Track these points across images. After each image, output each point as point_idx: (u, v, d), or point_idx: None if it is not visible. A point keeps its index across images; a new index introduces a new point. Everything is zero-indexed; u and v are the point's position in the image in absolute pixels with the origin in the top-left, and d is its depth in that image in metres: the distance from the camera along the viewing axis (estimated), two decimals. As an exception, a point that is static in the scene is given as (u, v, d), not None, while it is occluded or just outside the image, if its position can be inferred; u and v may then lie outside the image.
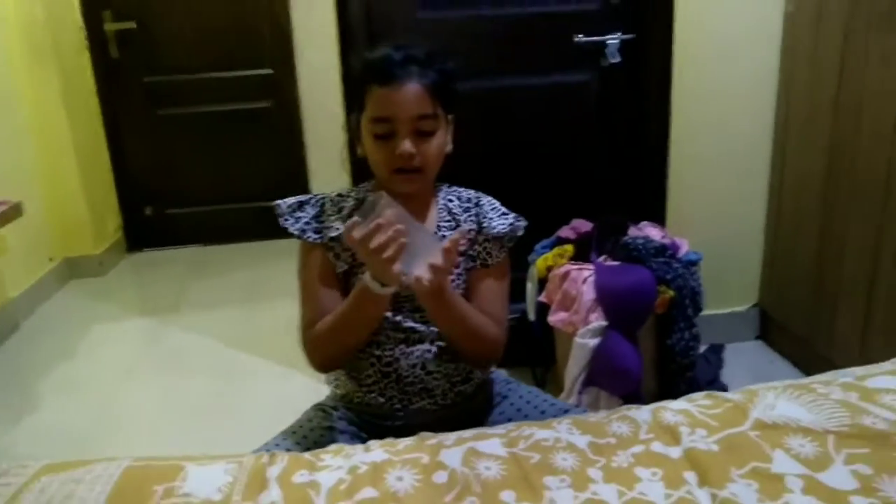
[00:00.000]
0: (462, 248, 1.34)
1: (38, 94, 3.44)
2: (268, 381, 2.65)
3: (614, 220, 2.31)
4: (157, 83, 3.94)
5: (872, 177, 2.05)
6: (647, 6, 2.37)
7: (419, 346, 1.35)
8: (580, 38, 2.36)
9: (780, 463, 1.03)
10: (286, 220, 1.36)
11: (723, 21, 2.39)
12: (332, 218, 1.36)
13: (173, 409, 2.54)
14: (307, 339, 1.34)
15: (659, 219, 2.47)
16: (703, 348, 2.40)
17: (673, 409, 1.19)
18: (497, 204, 1.42)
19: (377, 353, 1.35)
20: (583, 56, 2.41)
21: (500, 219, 1.38)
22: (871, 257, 2.07)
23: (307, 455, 1.14)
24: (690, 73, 2.41)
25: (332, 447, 1.19)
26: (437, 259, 1.14)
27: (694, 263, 2.18)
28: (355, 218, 1.14)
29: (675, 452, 1.08)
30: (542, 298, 2.22)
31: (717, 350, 2.50)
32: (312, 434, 1.37)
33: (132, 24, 3.81)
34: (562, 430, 1.15)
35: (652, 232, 2.28)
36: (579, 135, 2.51)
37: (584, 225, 2.34)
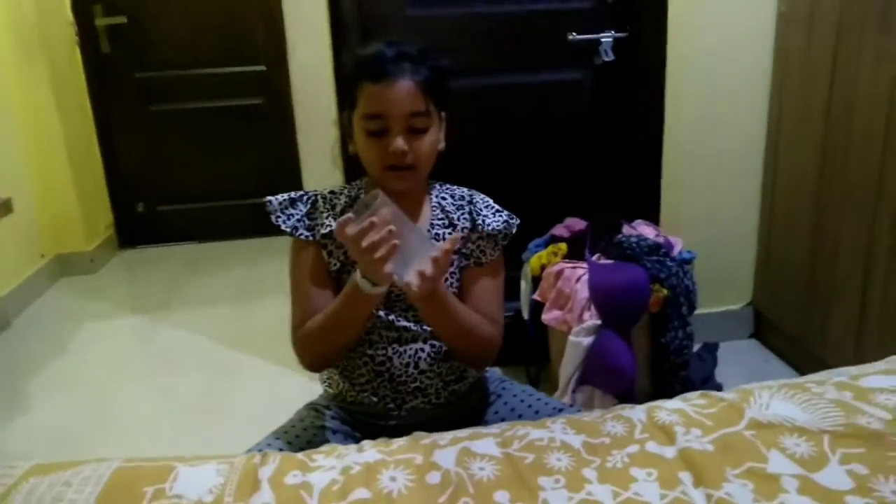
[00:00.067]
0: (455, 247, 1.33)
1: (27, 90, 3.42)
2: (260, 380, 2.63)
3: (608, 218, 2.30)
4: (149, 79, 3.91)
5: (865, 176, 2.05)
6: (640, 5, 2.36)
7: (412, 345, 1.34)
8: (574, 36, 2.36)
9: (776, 463, 1.03)
10: (278, 216, 1.35)
11: (716, 21, 2.38)
12: (325, 215, 1.35)
13: (165, 407, 2.53)
14: (298, 338, 1.33)
15: (653, 217, 2.47)
16: (697, 347, 2.40)
17: (668, 409, 1.18)
18: (490, 202, 1.41)
19: (370, 352, 1.34)
20: (576, 54, 2.40)
21: (493, 216, 1.37)
22: (864, 256, 2.07)
23: (299, 455, 1.13)
24: (683, 72, 2.41)
25: (325, 447, 1.19)
26: (428, 265, 1.13)
27: (688, 262, 2.18)
28: (349, 214, 1.13)
29: (669, 452, 1.07)
30: (536, 297, 2.21)
31: (711, 349, 2.50)
32: (305, 434, 1.36)
33: (123, 19, 3.78)
34: (556, 430, 1.15)
35: (646, 230, 2.28)
36: (573, 133, 2.50)
37: (577, 223, 2.34)
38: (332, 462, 1.10)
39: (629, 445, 1.09)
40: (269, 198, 1.36)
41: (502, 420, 1.38)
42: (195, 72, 3.92)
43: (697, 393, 1.24)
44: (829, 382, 1.22)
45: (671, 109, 2.44)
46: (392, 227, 1.10)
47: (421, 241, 1.19)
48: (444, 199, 1.40)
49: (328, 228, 1.33)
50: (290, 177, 2.62)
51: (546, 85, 2.45)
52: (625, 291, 2.04)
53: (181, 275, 3.69)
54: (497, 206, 1.40)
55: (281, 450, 1.29)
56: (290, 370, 2.48)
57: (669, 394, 2.09)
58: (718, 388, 2.29)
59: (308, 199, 1.37)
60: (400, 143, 1.25)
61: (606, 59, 2.36)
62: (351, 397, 1.39)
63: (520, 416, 1.39)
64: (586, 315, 2.04)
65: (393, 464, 1.08)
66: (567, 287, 2.10)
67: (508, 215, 1.39)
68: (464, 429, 1.19)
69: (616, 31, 2.36)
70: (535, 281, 2.23)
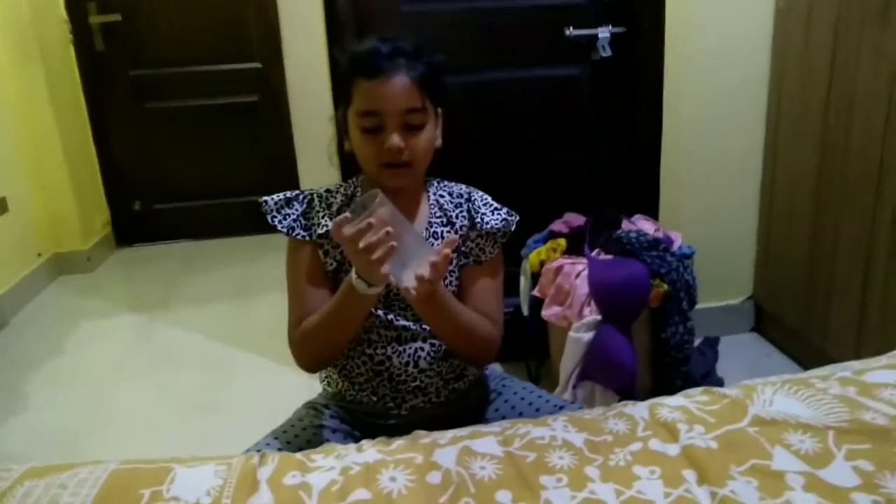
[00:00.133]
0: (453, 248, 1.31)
1: (22, 88, 3.40)
2: (259, 378, 2.62)
3: (607, 213, 2.29)
4: (144, 76, 3.89)
5: (864, 172, 2.04)
6: (638, 0, 2.34)
7: (411, 345, 1.32)
8: (571, 31, 2.34)
9: (781, 460, 1.01)
10: (273, 216, 1.33)
11: (714, 19, 2.37)
12: (321, 214, 1.33)
13: (163, 406, 2.51)
14: (294, 339, 1.31)
15: (652, 213, 2.46)
16: (697, 341, 2.39)
17: (670, 406, 1.17)
18: (489, 199, 1.39)
19: (369, 351, 1.32)
20: (574, 49, 2.39)
21: (492, 214, 1.35)
22: (865, 250, 2.06)
23: (298, 455, 1.11)
24: (682, 71, 2.40)
25: (324, 447, 1.17)
26: (426, 267, 1.11)
27: (688, 257, 2.17)
28: (346, 214, 1.12)
29: (673, 450, 1.06)
30: (536, 293, 2.20)
31: (711, 343, 2.49)
32: (304, 433, 1.35)
33: (117, 17, 3.76)
34: (557, 428, 1.14)
35: (645, 225, 2.27)
36: (571, 129, 2.49)
37: (576, 219, 2.33)
38: (331, 462, 1.08)
39: (632, 443, 1.08)
40: (264, 197, 1.34)
41: (503, 418, 1.36)
42: (190, 69, 3.90)
43: (700, 389, 1.23)
44: (833, 378, 1.21)
45: (670, 109, 2.43)
46: (390, 228, 1.08)
47: (418, 242, 1.17)
48: (441, 196, 1.38)
49: (324, 228, 1.31)
50: (286, 174, 2.61)
51: (543, 81, 2.43)
52: (625, 287, 2.03)
53: (178, 273, 3.68)
54: (496, 204, 1.38)
55: (280, 449, 1.28)
56: (289, 367, 2.44)
57: (670, 389, 2.10)
58: (720, 382, 2.28)
59: (304, 198, 1.35)
60: (396, 139, 1.24)
61: (604, 54, 2.35)
62: (350, 396, 1.37)
63: (520, 414, 1.37)
64: (586, 311, 2.03)
65: (393, 464, 1.06)
66: (567, 283, 2.08)
67: (507, 212, 1.37)
68: (464, 427, 1.18)
69: (614, 27, 2.34)
70: (535, 277, 2.22)
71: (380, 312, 1.31)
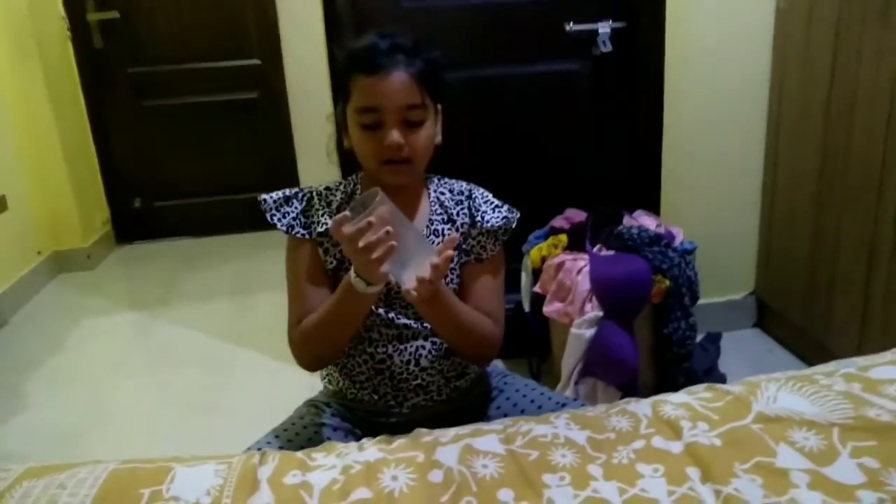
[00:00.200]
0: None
1: (20, 86, 3.38)
2: (260, 375, 2.62)
3: (608, 209, 2.28)
4: (142, 74, 3.88)
5: (866, 170, 2.03)
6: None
7: (412, 343, 1.31)
8: (571, 26, 2.32)
9: (785, 457, 1.01)
10: (273, 215, 1.32)
11: (714, 17, 2.36)
12: (320, 213, 1.32)
13: (164, 404, 2.51)
14: (294, 337, 1.30)
15: (653, 208, 2.44)
16: (699, 337, 2.38)
17: (673, 403, 1.16)
18: (490, 196, 1.38)
19: (370, 350, 1.31)
20: (574, 45, 2.37)
21: (493, 212, 1.34)
22: (868, 246, 2.05)
23: (299, 454, 1.11)
24: (683, 71, 2.39)
25: (325, 445, 1.17)
26: (426, 269, 1.10)
27: (689, 253, 2.16)
28: (345, 212, 1.11)
29: (676, 447, 1.05)
30: (537, 289, 2.19)
31: (714, 339, 2.48)
32: (305, 431, 1.34)
33: (115, 14, 3.74)
34: (560, 426, 1.13)
35: (646, 221, 2.26)
36: (571, 124, 2.48)
37: (577, 215, 2.32)
38: (332, 461, 1.08)
39: (635, 441, 1.07)
40: (263, 196, 1.33)
41: (505, 415, 1.36)
42: (189, 66, 3.88)
43: (703, 386, 1.22)
44: (838, 374, 1.20)
45: (670, 106, 2.42)
46: (390, 227, 1.07)
47: (419, 241, 1.16)
48: (442, 193, 1.37)
49: (324, 226, 1.30)
50: (286, 170, 2.60)
51: (544, 76, 2.42)
52: (627, 283, 2.02)
53: (179, 270, 3.67)
54: (496, 201, 1.37)
55: (280, 448, 1.27)
56: (289, 364, 2.44)
57: (673, 385, 2.09)
58: (722, 378, 2.28)
59: (303, 196, 1.34)
60: (395, 136, 1.22)
61: (605, 49, 2.33)
62: (351, 395, 1.37)
63: (522, 412, 1.36)
64: (588, 307, 2.03)
65: (394, 462, 1.06)
66: (568, 279, 2.07)
67: (508, 209, 1.36)
68: (466, 425, 1.17)
69: (614, 22, 2.33)
70: (536, 273, 2.21)
71: (381, 311, 1.30)
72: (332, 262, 1.31)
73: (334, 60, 2.17)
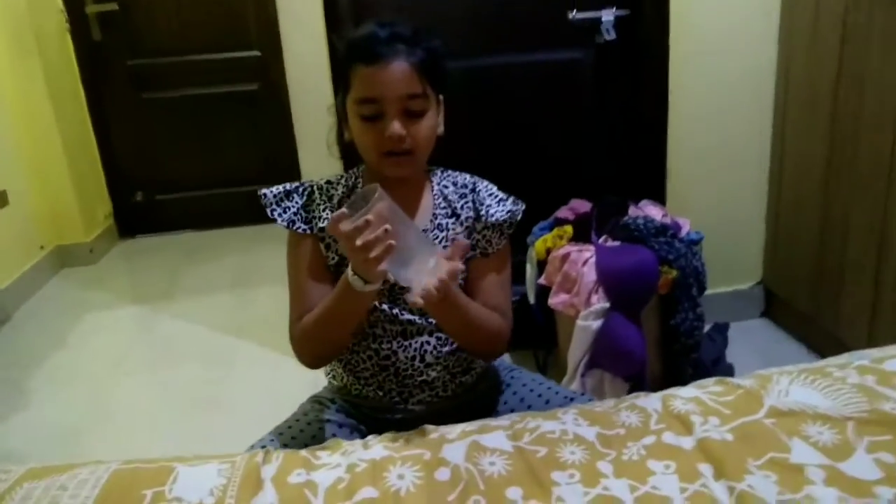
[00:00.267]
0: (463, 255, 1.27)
1: (19, 80, 3.36)
2: (261, 369, 2.60)
3: (613, 199, 2.26)
4: (142, 66, 3.85)
5: (876, 156, 1.99)
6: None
7: (417, 339, 1.29)
8: (574, 14, 2.29)
9: (799, 452, 0.98)
10: (273, 209, 1.30)
11: (719, 3, 2.32)
12: (322, 207, 1.30)
13: (167, 399, 2.49)
14: (295, 334, 1.28)
15: (659, 198, 2.42)
16: (707, 327, 2.36)
17: (683, 397, 1.14)
18: (494, 189, 1.35)
19: (374, 346, 1.29)
20: (577, 33, 2.34)
21: (498, 205, 1.31)
22: (878, 234, 2.02)
23: (303, 453, 1.09)
24: (687, 53, 2.35)
25: (329, 443, 1.15)
26: (434, 282, 1.08)
27: (696, 243, 2.13)
28: (343, 209, 1.08)
29: (687, 443, 1.03)
30: (542, 281, 2.17)
31: (721, 329, 2.45)
32: (309, 428, 1.32)
33: (114, 6, 3.71)
34: (568, 422, 1.11)
35: (652, 211, 2.23)
36: (575, 113, 2.44)
37: (582, 205, 2.29)
38: (337, 459, 1.06)
39: (645, 437, 1.05)
40: (263, 190, 1.30)
41: (511, 410, 1.34)
42: (188, 58, 3.85)
43: (713, 380, 1.20)
44: (851, 366, 1.18)
45: (676, 96, 2.39)
46: (388, 226, 1.04)
47: (419, 239, 1.13)
48: (446, 187, 1.34)
49: (325, 221, 1.27)
50: (287, 163, 2.58)
51: (547, 65, 2.39)
52: (633, 273, 2.00)
53: (181, 263, 3.66)
54: (501, 194, 1.34)
55: (285, 445, 1.25)
56: (291, 359, 2.44)
57: (680, 376, 2.07)
58: (730, 368, 2.26)
59: (304, 190, 1.32)
60: (396, 126, 1.20)
61: (608, 37, 2.30)
62: (356, 391, 1.35)
63: (529, 407, 1.35)
64: (594, 298, 2.00)
65: (400, 460, 1.04)
66: (574, 270, 2.05)
67: (513, 202, 1.33)
68: (472, 421, 1.15)
69: (617, 9, 2.30)
70: (541, 265, 2.19)
71: (385, 307, 1.28)
72: (333, 258, 1.29)
73: (334, 50, 2.14)
